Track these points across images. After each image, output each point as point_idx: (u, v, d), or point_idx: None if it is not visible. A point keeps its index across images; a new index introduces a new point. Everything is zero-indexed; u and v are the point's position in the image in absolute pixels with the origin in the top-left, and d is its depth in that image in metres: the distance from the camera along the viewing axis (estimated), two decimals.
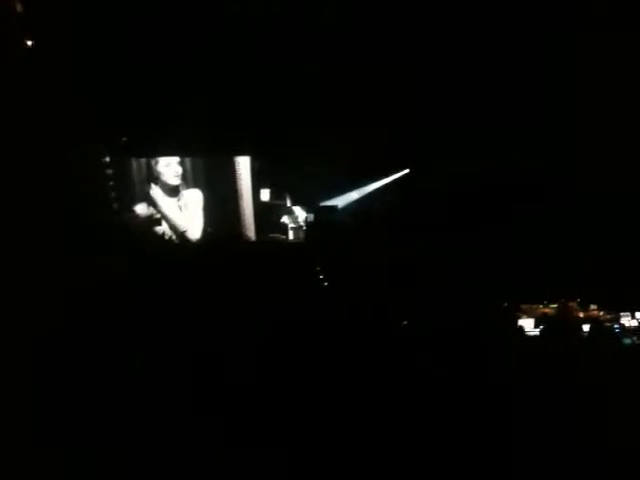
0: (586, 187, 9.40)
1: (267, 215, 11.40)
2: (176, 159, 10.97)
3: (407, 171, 11.75)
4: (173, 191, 11.02)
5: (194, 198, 11.11)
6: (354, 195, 11.91)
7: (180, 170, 10.98)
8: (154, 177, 10.93)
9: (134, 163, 10.91)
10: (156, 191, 10.96)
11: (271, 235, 11.39)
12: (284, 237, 11.45)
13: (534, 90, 9.50)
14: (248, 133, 10.42)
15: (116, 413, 3.36)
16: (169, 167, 10.94)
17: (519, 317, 6.59)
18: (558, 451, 3.41)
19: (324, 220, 11.16)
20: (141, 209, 10.95)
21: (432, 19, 9.15)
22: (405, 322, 5.18)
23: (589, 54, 8.58)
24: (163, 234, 10.85)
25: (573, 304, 7.03)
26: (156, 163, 10.92)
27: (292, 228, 11.51)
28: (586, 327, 5.73)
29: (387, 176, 11.90)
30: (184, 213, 11.09)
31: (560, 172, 9.68)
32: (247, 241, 10.97)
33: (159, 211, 11.00)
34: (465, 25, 9.08)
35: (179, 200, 11.07)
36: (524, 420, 3.58)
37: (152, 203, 10.99)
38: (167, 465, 3.24)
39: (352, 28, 9.35)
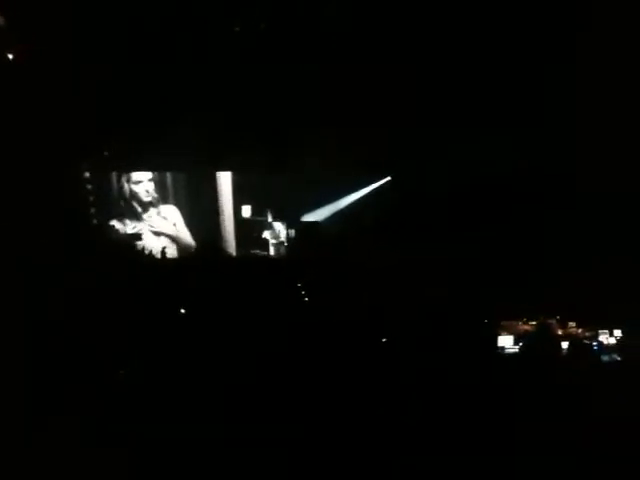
0: (575, 193, 9.49)
1: (248, 231, 11.40)
2: (147, 176, 10.98)
3: (388, 179, 11.74)
4: (148, 207, 11.01)
5: (172, 214, 11.11)
6: (336, 207, 11.88)
7: (151, 187, 10.99)
8: (129, 193, 10.93)
9: (113, 179, 10.90)
10: (133, 207, 10.95)
11: (252, 251, 11.39)
12: (265, 253, 11.46)
13: (534, 90, 9.49)
14: (230, 148, 10.43)
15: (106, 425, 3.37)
16: (140, 185, 10.97)
17: (499, 334, 6.62)
18: (538, 469, 3.42)
19: (306, 236, 11.18)
20: (120, 225, 10.92)
21: (429, 19, 9.11)
22: (384, 339, 5.19)
23: (589, 54, 8.59)
24: (143, 249, 10.81)
25: (552, 321, 7.08)
26: (128, 180, 10.92)
27: (273, 244, 11.52)
28: (565, 344, 5.77)
29: (368, 185, 11.89)
30: (163, 229, 11.07)
31: (545, 182, 9.78)
32: (228, 257, 10.95)
33: (138, 227, 10.97)
34: (464, 25, 9.02)
35: (156, 216, 11.05)
36: (504, 436, 3.59)
37: (131, 219, 10.97)
38: (167, 465, 3.26)
39: (346, 35, 9.27)
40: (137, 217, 11.02)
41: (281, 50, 9.31)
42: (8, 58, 8.28)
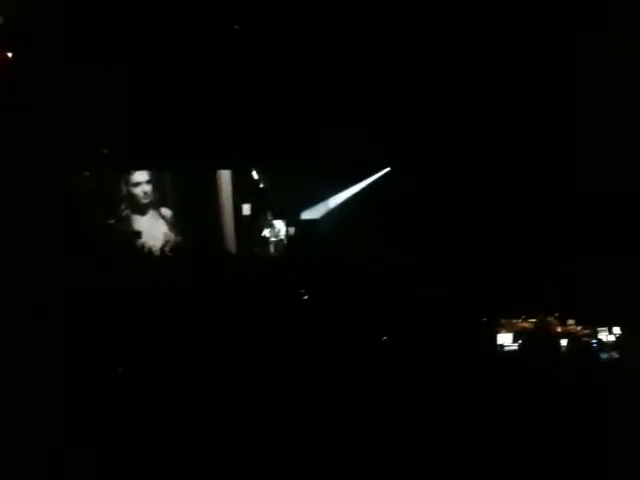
0: (574, 191, 9.49)
1: (248, 229, 11.39)
2: (145, 178, 10.96)
3: (388, 170, 11.68)
4: (147, 209, 11.02)
5: (171, 214, 11.12)
6: (336, 202, 11.86)
7: (149, 189, 10.98)
8: (128, 195, 10.95)
9: (112, 179, 10.91)
10: (132, 209, 10.96)
11: (252, 249, 11.38)
12: (265, 251, 11.45)
13: (534, 89, 9.46)
14: (230, 147, 10.41)
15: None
16: (138, 187, 10.96)
17: (498, 332, 6.64)
18: (535, 468, 3.43)
19: (305, 234, 11.18)
20: (120, 224, 10.92)
21: (426, 19, 9.08)
22: (385, 338, 5.21)
23: (589, 54, 8.56)
24: (143, 248, 10.81)
25: (551, 319, 7.10)
26: (126, 182, 10.92)
27: (273, 242, 11.51)
28: (564, 342, 5.79)
29: (368, 177, 11.85)
30: (162, 228, 11.08)
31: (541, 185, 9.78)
32: (228, 255, 10.94)
33: (137, 227, 10.99)
34: (463, 24, 8.98)
35: (156, 216, 11.06)
36: (501, 435, 3.60)
37: (130, 219, 10.98)
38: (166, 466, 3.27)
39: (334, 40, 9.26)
40: (136, 218, 11.02)
41: (277, 50, 9.34)
42: (8, 58, 8.28)
